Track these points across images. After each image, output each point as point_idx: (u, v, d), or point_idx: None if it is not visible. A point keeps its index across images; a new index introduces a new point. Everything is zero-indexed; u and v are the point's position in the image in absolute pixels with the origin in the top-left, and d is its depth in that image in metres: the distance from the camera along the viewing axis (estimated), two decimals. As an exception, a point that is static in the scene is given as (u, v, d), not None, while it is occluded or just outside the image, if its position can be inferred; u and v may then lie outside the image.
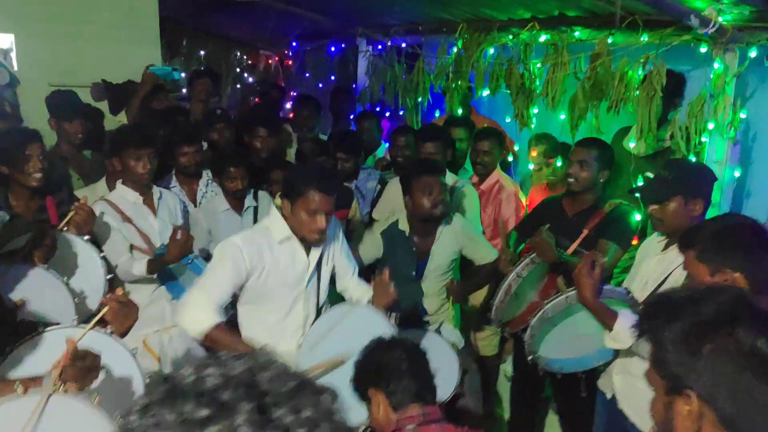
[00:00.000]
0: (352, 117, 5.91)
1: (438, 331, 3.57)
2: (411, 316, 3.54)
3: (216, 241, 3.97)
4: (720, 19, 3.09)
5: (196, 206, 4.07)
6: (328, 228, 2.86)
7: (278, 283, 2.89)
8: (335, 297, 3.27)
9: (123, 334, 2.89)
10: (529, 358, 3.02)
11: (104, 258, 3.18)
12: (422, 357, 2.24)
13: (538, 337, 2.99)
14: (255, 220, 4.07)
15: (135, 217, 3.51)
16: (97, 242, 3.39)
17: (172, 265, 3.42)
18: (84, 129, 4.27)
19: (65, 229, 3.15)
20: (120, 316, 2.76)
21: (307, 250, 2.96)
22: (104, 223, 3.41)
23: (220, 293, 2.79)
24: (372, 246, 3.64)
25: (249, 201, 4.07)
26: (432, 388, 2.22)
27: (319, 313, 3.05)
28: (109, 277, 3.16)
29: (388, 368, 2.17)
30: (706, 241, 2.10)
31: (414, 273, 3.60)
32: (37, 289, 2.80)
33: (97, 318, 2.73)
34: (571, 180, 3.49)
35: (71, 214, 3.17)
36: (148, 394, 0.86)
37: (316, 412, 0.85)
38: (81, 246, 3.13)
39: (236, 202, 4.03)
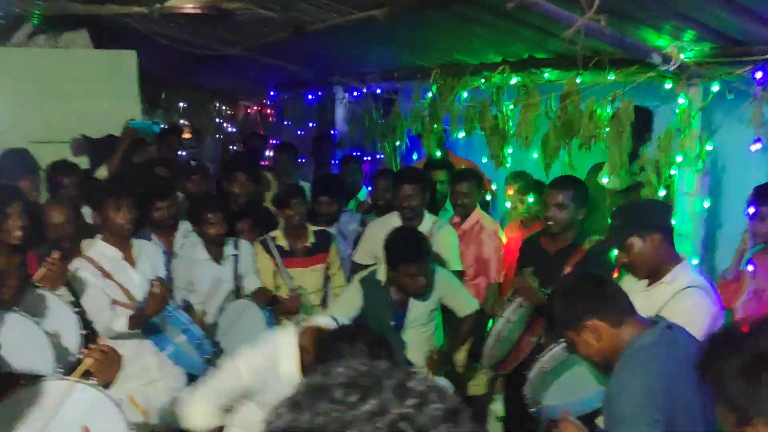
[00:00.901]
0: (334, 162, 6.00)
1: None
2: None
3: (197, 292, 3.98)
4: (682, 56, 3.19)
5: (174, 258, 4.07)
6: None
7: (276, 396, 2.80)
8: None
9: (107, 385, 2.86)
10: (531, 411, 2.96)
11: (78, 313, 3.16)
12: (385, 348, 2.20)
13: (539, 391, 2.92)
14: (235, 270, 4.07)
15: (115, 272, 3.47)
16: (76, 297, 3.37)
17: (155, 319, 3.40)
18: (35, 187, 4.29)
19: (39, 285, 3.14)
20: (103, 367, 2.75)
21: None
22: (83, 280, 3.38)
23: (219, 399, 2.71)
24: (352, 295, 3.64)
25: (229, 249, 4.09)
26: None
27: None
28: (84, 332, 3.13)
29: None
30: (557, 316, 2.25)
31: (393, 323, 3.58)
32: (13, 339, 2.77)
33: (80, 369, 2.71)
34: (550, 223, 3.55)
35: (42, 270, 3.15)
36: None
37: None
38: (53, 301, 3.12)
39: (216, 250, 4.04)
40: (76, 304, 3.28)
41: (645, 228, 2.76)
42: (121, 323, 3.32)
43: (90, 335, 3.18)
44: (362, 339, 2.16)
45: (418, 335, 3.63)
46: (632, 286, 2.93)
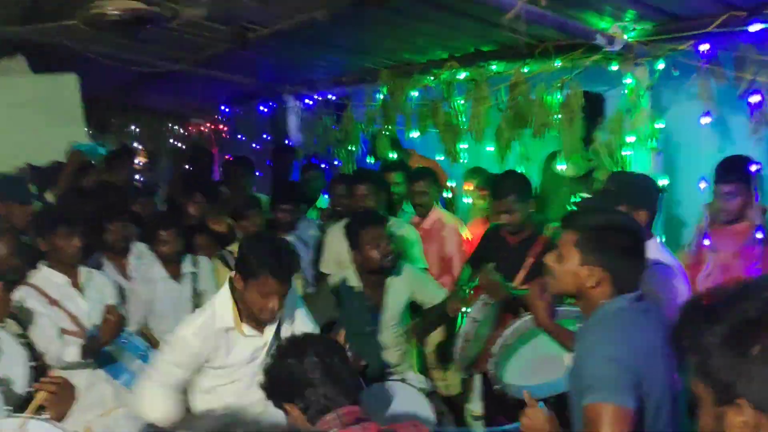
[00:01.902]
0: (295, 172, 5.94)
1: (404, 380, 3.48)
2: (376, 371, 3.45)
3: (155, 313, 3.84)
4: (625, 36, 3.19)
5: (129, 281, 3.92)
6: (281, 308, 2.70)
7: (234, 363, 2.76)
8: None
9: (61, 418, 2.73)
10: (495, 388, 2.94)
11: (26, 345, 3.02)
12: (338, 354, 2.09)
13: (501, 363, 2.94)
14: (194, 287, 3.95)
15: (62, 299, 3.33)
16: (24, 329, 3.21)
17: (108, 347, 3.29)
18: None
19: None
20: (56, 400, 2.62)
21: (261, 329, 2.80)
22: (28, 309, 3.23)
23: (175, 381, 2.67)
24: (325, 305, 3.56)
25: (187, 267, 3.96)
26: (351, 387, 2.06)
27: None
28: (33, 364, 2.98)
29: (300, 382, 2.01)
30: (589, 232, 2.08)
31: (370, 327, 3.51)
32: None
33: (33, 405, 2.58)
34: (508, 228, 3.53)
35: None
36: None
37: None
38: None
39: (173, 268, 3.92)
40: (24, 335, 3.12)
41: (636, 202, 2.73)
42: (73, 353, 3.18)
43: (40, 367, 3.03)
44: (312, 350, 2.04)
45: (393, 336, 3.57)
46: None
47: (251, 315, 2.71)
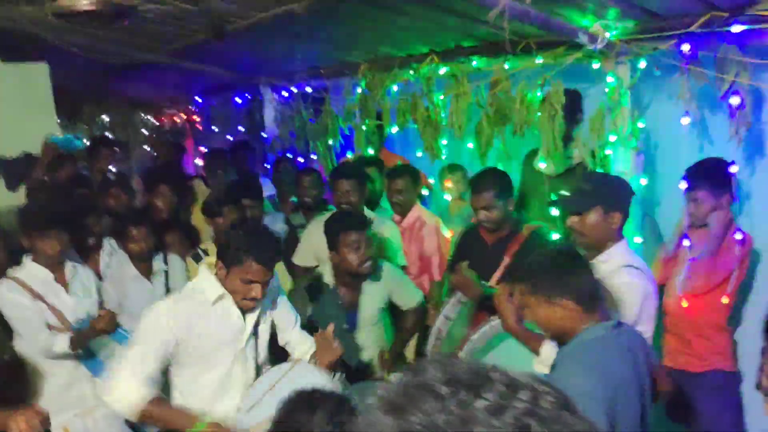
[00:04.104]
0: (267, 165, 5.81)
1: (383, 380, 3.44)
2: (355, 370, 3.40)
3: (127, 311, 3.75)
4: (607, 34, 3.16)
5: (101, 279, 3.83)
6: (264, 296, 2.70)
7: (213, 346, 2.70)
8: None
9: None
10: None
11: None
12: (347, 409, 2.08)
13: None
14: (167, 286, 3.87)
15: (46, 294, 3.31)
16: (8, 323, 3.22)
17: (90, 342, 3.30)
18: None
19: None
20: None
21: (243, 313, 2.78)
22: (13, 303, 3.20)
23: (147, 366, 2.59)
24: (297, 302, 3.50)
25: (159, 265, 3.88)
26: None
27: (259, 372, 2.87)
28: None
29: None
30: (535, 274, 2.17)
31: (346, 326, 3.46)
32: None
33: None
34: (486, 225, 3.49)
35: None
36: None
37: None
38: None
39: (144, 266, 3.83)
40: (7, 332, 3.12)
41: (611, 204, 2.73)
42: (63, 344, 3.18)
43: (4, 382, 2.97)
44: (321, 406, 1.98)
45: (370, 335, 3.53)
46: None
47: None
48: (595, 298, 2.16)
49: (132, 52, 5.43)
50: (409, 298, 3.65)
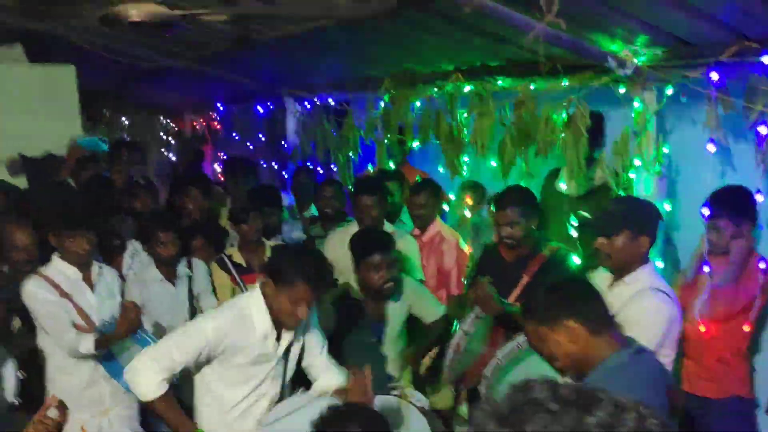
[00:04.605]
0: (285, 174, 5.87)
1: (404, 395, 3.46)
2: (378, 383, 3.43)
3: (148, 314, 3.79)
4: (635, 60, 3.20)
5: (123, 280, 3.88)
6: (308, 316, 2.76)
7: (244, 364, 2.77)
8: None
9: None
10: None
11: (17, 357, 2.99)
12: (379, 425, 2.09)
13: (494, 386, 2.94)
14: (190, 290, 3.92)
15: (73, 293, 3.34)
16: (35, 319, 3.26)
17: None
18: None
19: None
20: None
21: (278, 336, 2.83)
22: (42, 300, 3.24)
23: (174, 364, 2.66)
24: (323, 315, 3.54)
25: (183, 270, 3.92)
26: None
27: (286, 390, 2.94)
28: (21, 376, 2.95)
29: None
30: (535, 304, 2.21)
31: (374, 338, 3.51)
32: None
33: None
34: (507, 241, 3.52)
35: None
36: None
37: None
38: None
39: (169, 271, 3.88)
40: (30, 329, 3.12)
41: (639, 228, 2.76)
42: (88, 345, 3.20)
43: (26, 380, 3.00)
44: (355, 421, 2.02)
45: (394, 348, 3.57)
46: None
47: (275, 320, 2.75)
48: (602, 321, 2.17)
49: (159, 57, 5.51)
50: (432, 310, 3.69)
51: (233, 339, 2.69)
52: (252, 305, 2.76)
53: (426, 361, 3.97)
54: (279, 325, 2.77)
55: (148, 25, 2.30)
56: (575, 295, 2.19)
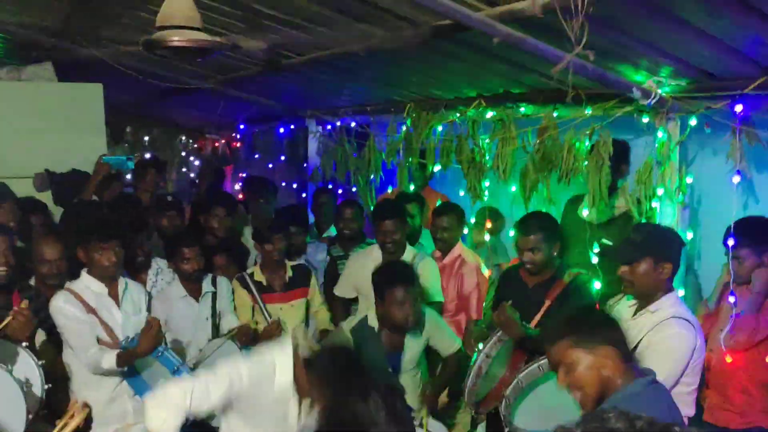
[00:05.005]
0: (304, 195, 5.92)
1: (423, 424, 3.48)
2: None
3: (172, 331, 3.84)
4: (659, 91, 3.24)
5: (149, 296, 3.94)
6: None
7: (262, 408, 2.72)
8: None
9: None
10: (507, 431, 2.96)
11: (42, 366, 3.03)
12: (399, 395, 2.10)
13: (513, 405, 2.96)
14: (213, 307, 3.96)
15: (99, 308, 3.39)
16: (59, 334, 3.30)
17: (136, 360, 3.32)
18: (14, 218, 4.18)
19: (1, 334, 3.01)
20: None
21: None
22: (68, 315, 3.29)
23: (199, 404, 2.61)
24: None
25: (207, 286, 3.98)
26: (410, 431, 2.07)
27: None
28: (47, 387, 2.98)
29: (364, 422, 1.98)
30: (574, 328, 2.22)
31: (391, 369, 3.52)
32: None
33: None
34: (529, 266, 3.55)
35: (8, 318, 3.04)
36: None
37: None
38: (18, 353, 2.98)
39: (193, 287, 3.93)
40: (55, 342, 3.17)
41: (662, 255, 2.80)
42: (110, 360, 3.23)
43: (52, 390, 3.04)
44: (376, 389, 2.02)
45: (411, 378, 3.59)
46: (619, 316, 2.94)
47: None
48: (630, 350, 2.23)
49: (186, 78, 5.61)
50: (449, 344, 3.73)
51: (261, 388, 2.63)
52: (281, 359, 2.63)
53: (443, 398, 3.98)
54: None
55: (189, 51, 2.38)
56: (612, 325, 2.25)
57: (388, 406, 2.00)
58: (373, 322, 3.55)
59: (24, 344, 3.02)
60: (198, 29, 2.37)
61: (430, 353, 3.82)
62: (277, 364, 2.63)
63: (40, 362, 3.05)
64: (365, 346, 3.50)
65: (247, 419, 2.73)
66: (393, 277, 3.44)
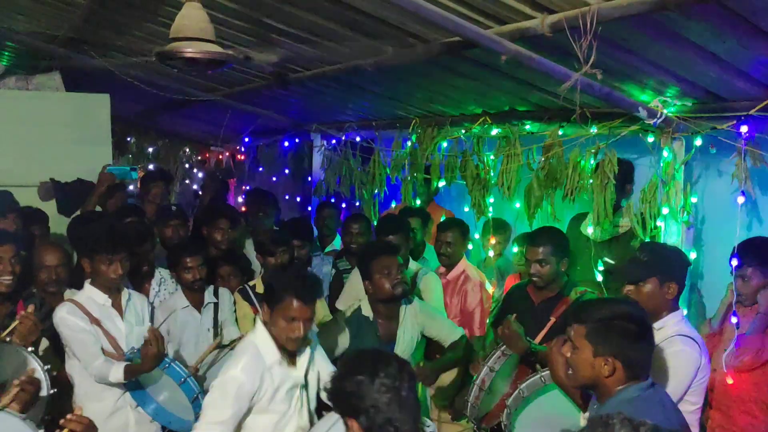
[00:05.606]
0: (309, 208, 5.93)
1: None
2: None
3: (174, 341, 3.83)
4: (665, 110, 3.27)
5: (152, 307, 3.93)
6: (306, 335, 2.81)
7: (273, 400, 2.83)
8: None
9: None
10: None
11: (48, 371, 3.03)
12: (408, 379, 2.05)
13: (514, 415, 2.96)
14: (215, 317, 3.96)
15: (103, 319, 3.38)
16: (62, 345, 3.29)
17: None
18: (17, 227, 4.19)
19: (8, 339, 3.00)
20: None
21: (294, 362, 2.90)
22: (73, 326, 3.28)
23: (228, 425, 2.71)
24: (339, 336, 3.58)
25: (209, 297, 3.98)
26: (416, 416, 2.05)
27: (312, 417, 2.99)
28: (52, 391, 2.98)
29: (367, 401, 1.97)
30: (597, 324, 2.22)
31: None
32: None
33: None
34: (535, 279, 3.56)
35: (15, 323, 3.04)
36: None
37: None
38: (24, 357, 2.97)
39: (195, 298, 3.92)
40: (58, 350, 3.16)
41: (667, 275, 2.81)
42: (117, 374, 3.21)
43: (57, 395, 3.03)
44: (384, 371, 2.01)
45: None
46: None
47: (281, 349, 2.82)
48: (644, 369, 2.21)
49: (192, 90, 5.64)
50: (448, 331, 3.73)
51: (261, 375, 2.76)
52: (258, 338, 2.84)
53: (444, 379, 3.95)
54: (288, 352, 2.84)
55: (201, 62, 2.41)
56: (636, 341, 2.23)
57: (395, 389, 1.98)
58: (367, 312, 3.57)
59: (30, 349, 3.01)
60: (211, 41, 2.41)
61: (429, 354, 3.82)
62: (258, 343, 2.80)
63: (45, 367, 3.04)
64: (359, 334, 3.53)
65: (262, 411, 2.81)
66: (375, 249, 3.58)
